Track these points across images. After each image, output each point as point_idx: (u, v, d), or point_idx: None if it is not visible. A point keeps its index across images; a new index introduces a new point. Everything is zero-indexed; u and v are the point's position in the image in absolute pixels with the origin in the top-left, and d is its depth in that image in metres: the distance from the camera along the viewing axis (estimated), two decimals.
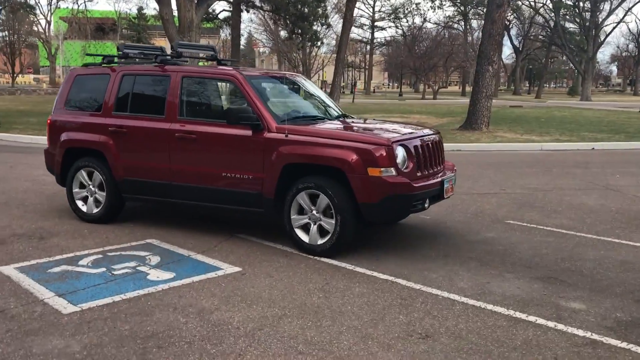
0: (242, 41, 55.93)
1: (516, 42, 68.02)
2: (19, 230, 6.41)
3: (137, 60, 7.30)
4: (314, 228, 5.60)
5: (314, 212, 5.57)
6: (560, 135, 17.86)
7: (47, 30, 65.68)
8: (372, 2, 69.34)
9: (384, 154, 5.30)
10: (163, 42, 59.66)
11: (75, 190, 6.90)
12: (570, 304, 4.43)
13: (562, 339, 3.82)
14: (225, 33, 55.21)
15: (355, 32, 66.76)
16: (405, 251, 5.80)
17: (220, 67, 6.99)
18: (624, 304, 4.44)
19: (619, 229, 6.77)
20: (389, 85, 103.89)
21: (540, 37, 65.70)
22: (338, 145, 5.43)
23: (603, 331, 3.94)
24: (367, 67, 74.42)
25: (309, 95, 7.25)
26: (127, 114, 6.59)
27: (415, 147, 5.63)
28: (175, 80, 6.34)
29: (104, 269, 5.11)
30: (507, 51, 75.39)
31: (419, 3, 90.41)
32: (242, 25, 46.11)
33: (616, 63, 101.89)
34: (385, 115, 25.92)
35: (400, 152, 5.42)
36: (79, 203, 6.90)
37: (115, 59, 7.15)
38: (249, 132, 5.81)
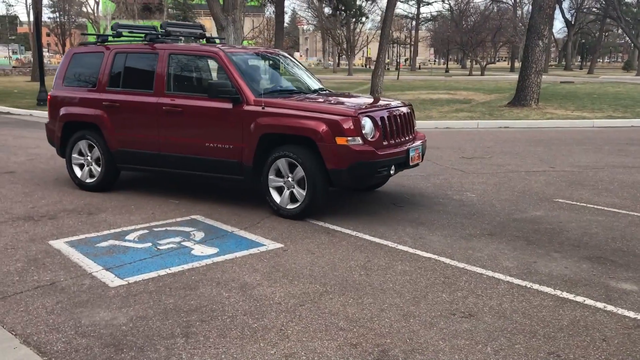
0: (286, 19, 55.81)
1: (568, 15, 65.66)
2: (69, 205, 6.61)
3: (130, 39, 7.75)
4: (286, 193, 6.07)
5: (290, 179, 6.03)
6: (614, 111, 17.21)
7: (95, 10, 67.00)
8: None
9: (351, 124, 5.75)
10: (207, 22, 60.07)
11: (74, 160, 7.40)
12: (621, 285, 4.28)
13: (612, 321, 3.70)
14: (270, 11, 55.16)
15: (400, 8, 65.68)
16: (450, 229, 5.72)
17: (206, 44, 7.39)
18: None
19: None
20: (435, 61, 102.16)
21: (594, 9, 63.15)
22: (309, 116, 5.89)
23: None
24: (412, 43, 73.20)
25: (289, 71, 7.62)
26: (119, 89, 7.04)
27: (382, 118, 6.05)
28: (163, 57, 6.79)
29: (149, 244, 5.21)
30: (558, 25, 72.97)
31: None
32: (286, 3, 45.96)
33: None
34: (430, 92, 25.51)
35: (367, 123, 5.86)
36: (78, 172, 7.40)
37: (110, 38, 7.64)
38: (229, 105, 6.26)
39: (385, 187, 7.55)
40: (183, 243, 5.25)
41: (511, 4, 65.76)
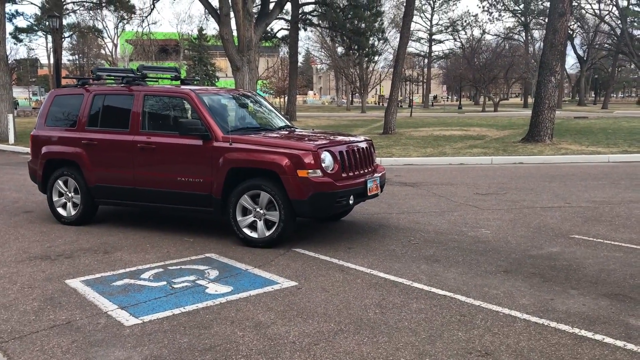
0: (300, 58, 56.65)
1: (580, 52, 66.01)
2: (85, 244, 6.67)
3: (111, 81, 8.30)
4: (260, 224, 6.43)
5: (258, 209, 6.41)
6: (629, 146, 17.12)
7: (114, 52, 68.66)
8: (429, 16, 69.00)
9: (311, 158, 6.21)
10: (223, 62, 61.15)
11: (55, 196, 7.79)
12: None
13: (632, 359, 3.63)
14: (284, 51, 56.14)
15: (412, 46, 66.61)
16: (465, 266, 5.68)
17: (179, 86, 7.81)
18: None
19: None
20: (447, 98, 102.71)
21: (606, 45, 63.44)
22: (273, 151, 6.34)
23: None
24: (425, 80, 73.81)
25: (257, 109, 8.18)
26: (97, 128, 7.49)
27: (341, 152, 6.51)
28: (138, 98, 7.27)
29: (164, 283, 5.23)
30: (570, 61, 73.37)
31: (477, 15, 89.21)
32: (300, 43, 46.82)
33: None
34: (443, 128, 25.60)
35: (327, 157, 6.32)
36: (59, 208, 7.79)
37: (90, 81, 8.13)
38: (199, 142, 6.70)
39: (400, 223, 7.54)
40: (197, 281, 5.26)
41: (523, 40, 66.38)
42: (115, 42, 68.14)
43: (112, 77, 8.34)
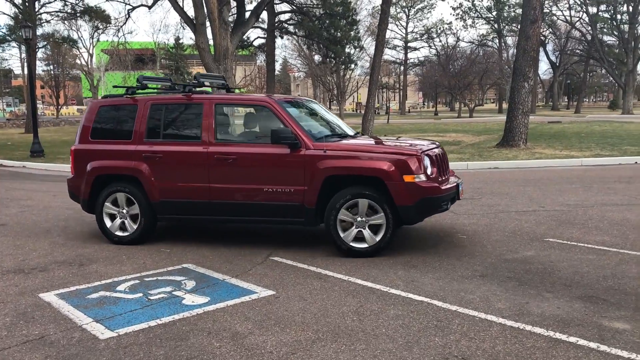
0: (277, 67, 56.65)
1: (553, 57, 67.16)
2: (60, 257, 6.58)
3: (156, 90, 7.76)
4: (355, 231, 6.29)
5: (359, 218, 6.27)
6: (601, 150, 17.44)
7: (89, 62, 67.93)
8: (404, 24, 69.64)
9: (416, 162, 6.16)
10: (200, 70, 60.90)
11: (107, 215, 7.17)
12: (614, 324, 4.28)
13: None
14: (260, 59, 56.12)
15: (388, 54, 67.09)
16: (442, 271, 5.72)
17: (254, 94, 7.57)
18: None
19: None
20: (424, 104, 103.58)
21: (578, 51, 64.62)
22: (376, 157, 6.25)
23: None
24: (401, 87, 74.37)
25: (325, 117, 7.75)
26: (160, 140, 6.97)
27: (435, 156, 6.54)
28: (209, 107, 6.83)
29: (140, 294, 5.18)
30: (543, 66, 74.53)
31: (451, 22, 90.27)
32: (277, 51, 46.87)
33: None
34: (420, 134, 25.80)
35: (427, 161, 6.29)
36: (111, 226, 7.16)
37: (138, 90, 7.48)
38: (286, 150, 6.43)
39: None
40: (174, 292, 5.22)
41: (496, 47, 67.32)
42: (90, 52, 67.42)
43: (157, 86, 7.79)
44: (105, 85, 69.33)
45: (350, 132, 7.55)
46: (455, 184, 6.71)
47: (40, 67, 62.16)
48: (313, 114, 7.62)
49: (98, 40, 61.82)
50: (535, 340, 4.03)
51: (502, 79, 57.74)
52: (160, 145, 6.93)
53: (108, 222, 7.16)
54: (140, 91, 7.45)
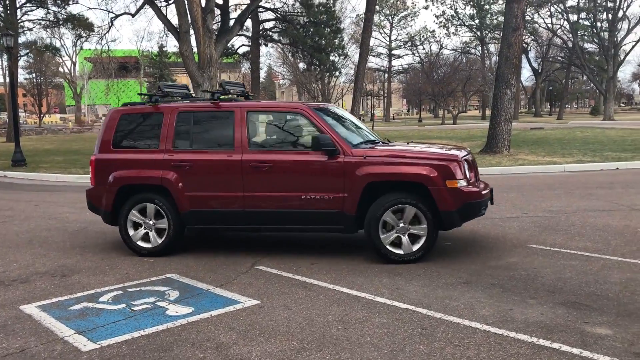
0: (262, 74, 56.72)
1: (535, 64, 67.94)
2: (41, 268, 6.49)
3: (175, 98, 7.54)
4: (402, 238, 6.30)
5: (401, 224, 6.28)
6: (583, 156, 17.63)
7: (72, 70, 67.49)
8: (388, 32, 70.10)
9: (458, 167, 6.26)
10: (184, 79, 60.70)
11: (131, 226, 6.93)
12: (596, 330, 4.31)
13: None
14: (245, 67, 56.08)
15: (372, 61, 67.40)
16: (426, 279, 5.73)
17: (285, 101, 7.46)
18: None
19: None
20: (408, 111, 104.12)
21: (559, 58, 65.45)
22: (418, 163, 6.29)
23: (631, 357, 3.82)
24: (385, 94, 74.73)
25: (353, 123, 7.62)
26: (190, 148, 6.83)
27: (471, 161, 6.70)
28: (241, 115, 6.74)
29: (123, 305, 5.13)
30: (526, 73, 75.23)
31: (434, 30, 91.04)
32: (261, 59, 46.91)
33: (638, 81, 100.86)
34: (405, 141, 25.88)
35: (465, 166, 6.39)
36: (135, 237, 6.93)
37: (157, 98, 7.27)
38: (324, 157, 6.42)
39: (362, 237, 7.57)
40: (157, 303, 5.17)
41: (479, 54, 67.94)
42: (73, 59, 67.04)
43: (174, 94, 7.59)
44: (89, 94, 68.89)
45: (378, 138, 7.45)
46: (490, 188, 6.82)
47: (22, 75, 61.63)
48: (342, 120, 7.45)
49: (81, 48, 61.51)
50: (519, 347, 4.04)
51: (485, 86, 58.29)
52: (190, 154, 6.78)
53: (132, 234, 6.93)
54: (159, 99, 7.28)
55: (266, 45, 40.09)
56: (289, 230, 6.86)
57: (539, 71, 67.62)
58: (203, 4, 20.05)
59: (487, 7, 63.11)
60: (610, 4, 52.71)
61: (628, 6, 56.27)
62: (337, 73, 47.39)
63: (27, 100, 76.08)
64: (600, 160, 16.35)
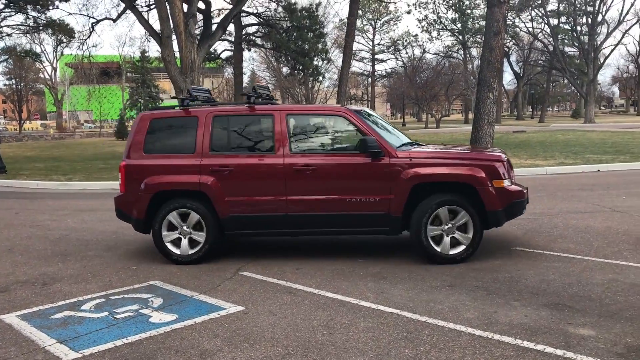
0: (245, 79, 56.56)
1: (516, 68, 68.60)
2: (22, 277, 6.40)
3: (201, 101, 7.37)
4: (446, 239, 6.38)
5: (449, 224, 6.36)
6: (565, 158, 17.82)
7: (53, 76, 66.83)
8: (371, 36, 70.39)
9: (503, 168, 6.42)
10: (167, 84, 60.38)
11: (166, 233, 6.72)
12: (579, 331, 4.34)
13: None
14: (228, 72, 55.98)
15: (356, 66, 67.63)
16: (411, 282, 5.74)
17: (326, 104, 7.45)
18: (634, 329, 4.35)
19: (626, 251, 6.68)
20: (392, 115, 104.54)
21: (540, 62, 66.18)
22: (466, 164, 6.42)
23: (613, 357, 3.85)
24: (369, 99, 74.96)
25: (388, 126, 7.56)
26: (228, 153, 6.72)
27: (509, 161, 6.82)
28: (280, 118, 6.70)
29: (106, 313, 5.07)
30: (508, 77, 76.02)
31: (417, 35, 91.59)
32: (244, 64, 46.82)
33: (618, 84, 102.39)
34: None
35: (507, 166, 6.56)
36: (171, 245, 6.74)
37: (188, 102, 7.10)
38: (367, 160, 6.46)
39: (347, 242, 7.57)
40: (141, 311, 5.12)
41: (461, 58, 68.46)
42: (54, 65, 66.38)
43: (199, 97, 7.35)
44: (70, 100, 68.24)
45: (409, 140, 7.44)
46: (526, 188, 6.85)
47: (1, 82, 60.93)
48: (378, 122, 7.35)
49: (62, 53, 60.94)
50: (504, 349, 4.06)
51: (467, 89, 58.70)
52: (229, 158, 6.66)
53: (167, 241, 6.73)
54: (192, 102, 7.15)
55: (249, 50, 40.15)
56: (332, 233, 6.92)
57: (521, 75, 68.32)
58: (185, 9, 19.97)
59: (469, 11, 63.62)
60: (589, 9, 53.46)
61: (607, 10, 57.18)
62: (320, 77, 47.42)
63: (7, 106, 75.25)
64: (581, 163, 16.53)
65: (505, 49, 55.32)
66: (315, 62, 39.95)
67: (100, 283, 6.06)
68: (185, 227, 6.71)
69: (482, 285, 5.58)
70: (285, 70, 53.63)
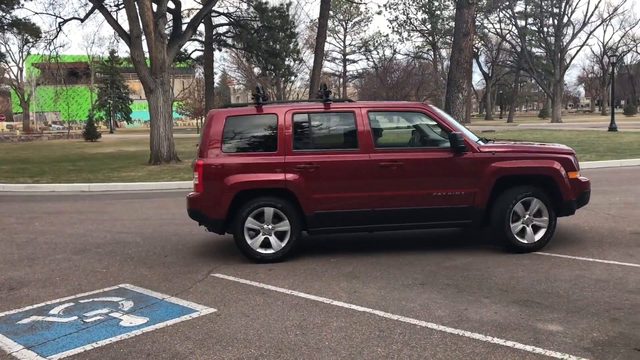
0: (217, 79, 56.27)
1: (485, 69, 69.61)
2: None
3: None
4: (528, 229, 6.69)
5: (526, 215, 6.67)
6: None
7: (19, 77, 65.44)
8: (342, 37, 70.59)
9: (575, 160, 6.90)
10: (137, 84, 59.61)
11: (248, 232, 6.63)
12: (547, 326, 4.43)
13: None
14: (199, 72, 55.58)
15: (327, 66, 67.79)
16: (383, 281, 5.77)
17: (406, 101, 7.51)
18: (600, 324, 4.45)
19: (592, 247, 6.83)
20: None
21: (509, 62, 67.30)
22: (545, 157, 6.85)
23: (580, 352, 3.94)
24: (341, 99, 75.19)
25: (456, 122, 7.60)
26: (312, 150, 6.71)
27: None
28: (362, 115, 6.78)
29: (75, 317, 4.98)
30: (477, 77, 77.02)
31: (388, 35, 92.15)
32: (215, 64, 46.53)
33: (583, 84, 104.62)
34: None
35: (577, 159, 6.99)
36: (253, 244, 6.64)
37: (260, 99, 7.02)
38: (450, 154, 6.68)
39: (320, 241, 7.58)
40: (111, 314, 5.05)
41: (431, 59, 69.12)
42: (20, 65, 64.99)
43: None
44: (37, 100, 66.91)
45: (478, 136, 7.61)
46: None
47: None
48: (451, 119, 7.38)
49: (28, 53, 59.67)
50: (475, 346, 4.11)
51: (437, 90, 59.29)
52: (314, 155, 6.66)
53: (249, 240, 6.62)
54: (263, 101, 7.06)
55: (220, 50, 39.86)
56: (416, 227, 7.03)
57: (489, 75, 69.34)
58: (154, 9, 19.76)
59: (439, 12, 64.28)
60: (555, 10, 54.52)
61: (572, 12, 58.27)
62: (292, 78, 47.46)
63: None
64: None
65: (474, 49, 56.10)
66: (286, 62, 39.92)
67: (69, 287, 5.95)
68: (267, 226, 6.64)
69: (452, 283, 5.64)
70: (256, 70, 53.49)
